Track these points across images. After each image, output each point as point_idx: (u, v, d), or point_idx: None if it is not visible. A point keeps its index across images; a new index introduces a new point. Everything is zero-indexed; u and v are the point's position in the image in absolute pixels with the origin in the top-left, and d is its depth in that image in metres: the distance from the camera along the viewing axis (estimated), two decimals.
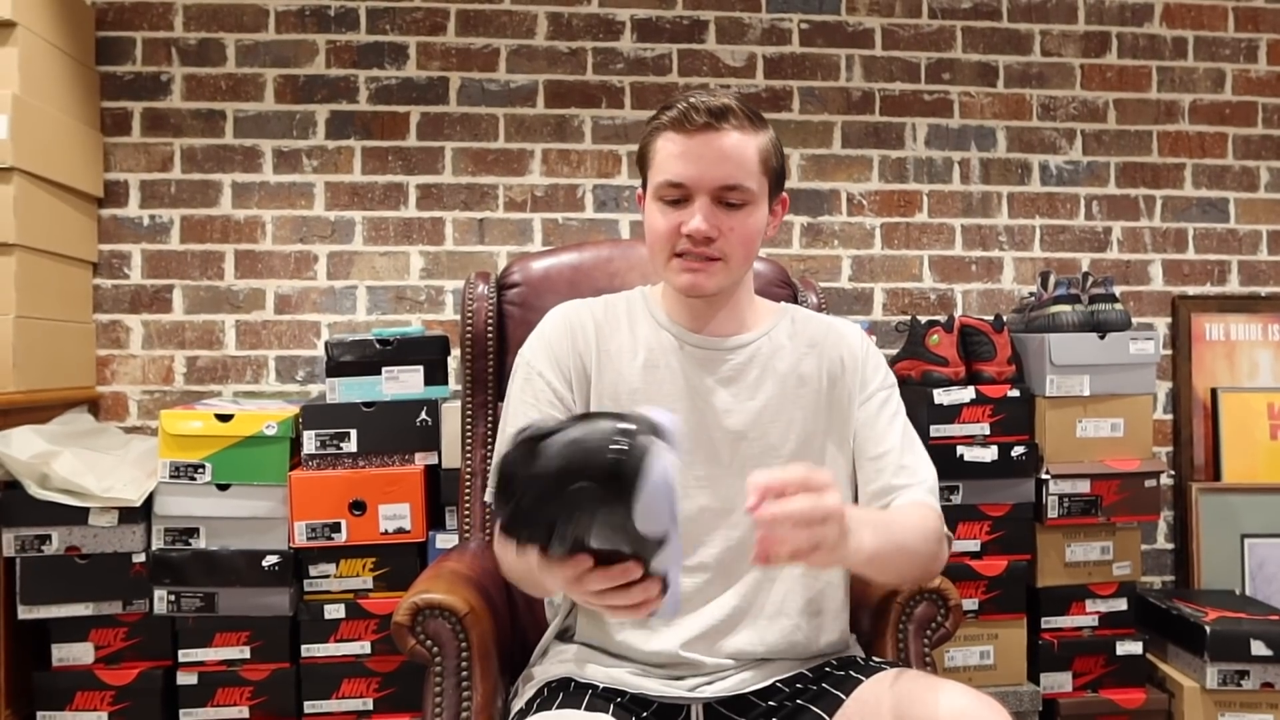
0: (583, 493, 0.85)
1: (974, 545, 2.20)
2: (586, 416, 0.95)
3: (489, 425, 1.64)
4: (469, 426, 1.66)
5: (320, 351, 2.44)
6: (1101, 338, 2.26)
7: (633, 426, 0.86)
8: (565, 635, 1.31)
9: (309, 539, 1.99)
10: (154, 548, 1.99)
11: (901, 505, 1.23)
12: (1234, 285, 2.73)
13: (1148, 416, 2.31)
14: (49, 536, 1.96)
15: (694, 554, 1.22)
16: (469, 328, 1.66)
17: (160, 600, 1.98)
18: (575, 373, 1.28)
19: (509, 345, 1.64)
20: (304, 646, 2.02)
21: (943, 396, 2.20)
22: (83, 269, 2.37)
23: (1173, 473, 2.67)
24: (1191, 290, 2.72)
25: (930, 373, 2.24)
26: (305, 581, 2.02)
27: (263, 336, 2.47)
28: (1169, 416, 2.69)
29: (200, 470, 1.98)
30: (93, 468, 1.97)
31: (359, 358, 2.09)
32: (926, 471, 1.27)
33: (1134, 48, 2.71)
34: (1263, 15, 2.75)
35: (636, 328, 1.30)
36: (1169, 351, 2.69)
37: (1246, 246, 2.74)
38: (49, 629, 1.99)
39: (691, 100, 1.17)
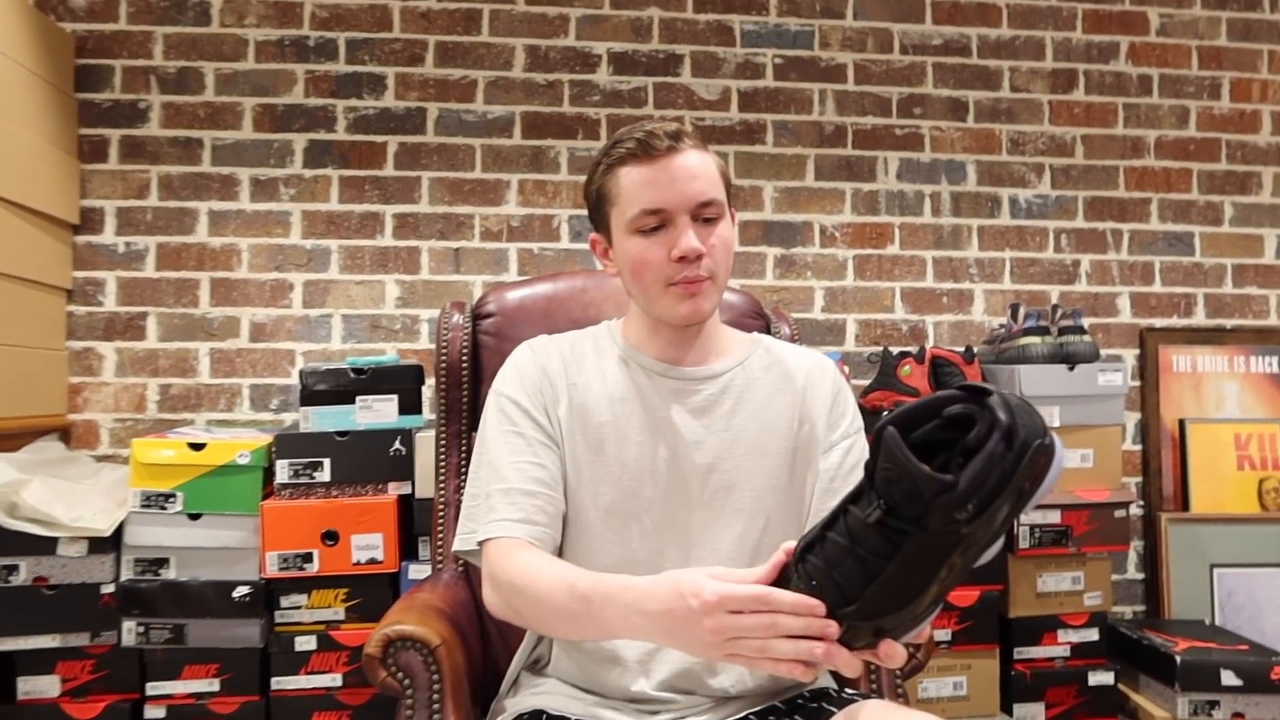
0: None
1: None
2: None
3: (463, 455, 1.64)
4: (443, 456, 1.66)
5: (295, 380, 2.43)
6: (1070, 369, 2.29)
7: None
8: (536, 666, 1.31)
9: (280, 569, 1.97)
10: (123, 578, 1.97)
11: None
12: (1200, 318, 2.78)
13: (1117, 447, 2.34)
14: (16, 567, 1.93)
15: None
16: (444, 357, 1.66)
17: (129, 632, 1.95)
18: (549, 400, 1.26)
19: (484, 375, 1.64)
20: (274, 679, 2.00)
21: None
22: (56, 295, 2.36)
23: (1142, 503, 2.70)
24: (1159, 322, 2.76)
25: (902, 404, 2.25)
26: (276, 613, 2.00)
27: (237, 365, 2.46)
28: (1138, 447, 2.72)
29: (171, 499, 1.97)
30: (62, 497, 1.95)
31: (333, 386, 2.08)
32: None
33: (1101, 85, 2.77)
34: (1225, 54, 2.82)
35: (604, 361, 1.29)
36: (1137, 383, 2.73)
37: (1212, 279, 2.79)
38: (15, 661, 1.96)
39: (646, 130, 1.18)
